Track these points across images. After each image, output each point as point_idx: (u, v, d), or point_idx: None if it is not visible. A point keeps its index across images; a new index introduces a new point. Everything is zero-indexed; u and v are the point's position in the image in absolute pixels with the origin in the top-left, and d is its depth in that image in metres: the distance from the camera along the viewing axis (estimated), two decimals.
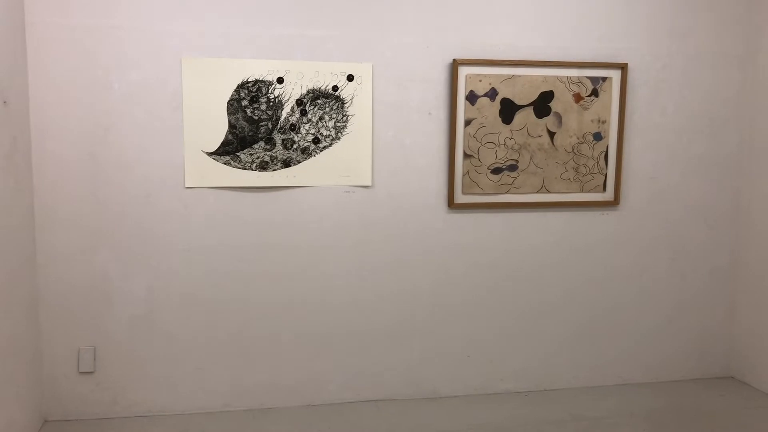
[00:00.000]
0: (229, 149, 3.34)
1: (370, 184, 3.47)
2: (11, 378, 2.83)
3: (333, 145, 3.43)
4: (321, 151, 3.42)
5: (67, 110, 3.15)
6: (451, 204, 3.54)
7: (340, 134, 3.43)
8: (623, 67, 3.60)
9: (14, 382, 2.87)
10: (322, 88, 3.38)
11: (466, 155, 3.53)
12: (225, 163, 3.34)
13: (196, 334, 3.38)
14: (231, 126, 3.33)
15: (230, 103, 3.31)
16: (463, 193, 3.55)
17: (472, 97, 3.49)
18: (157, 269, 3.31)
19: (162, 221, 3.28)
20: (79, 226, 3.22)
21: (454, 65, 3.45)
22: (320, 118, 3.40)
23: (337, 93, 3.40)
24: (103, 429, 3.23)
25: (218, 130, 3.32)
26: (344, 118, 3.42)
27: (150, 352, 3.36)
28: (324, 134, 3.41)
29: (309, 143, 3.40)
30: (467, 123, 3.51)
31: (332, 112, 3.41)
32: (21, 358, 2.97)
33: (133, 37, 3.17)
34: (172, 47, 3.21)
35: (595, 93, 3.60)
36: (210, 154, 3.32)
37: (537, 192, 3.62)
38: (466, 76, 3.47)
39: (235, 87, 3.31)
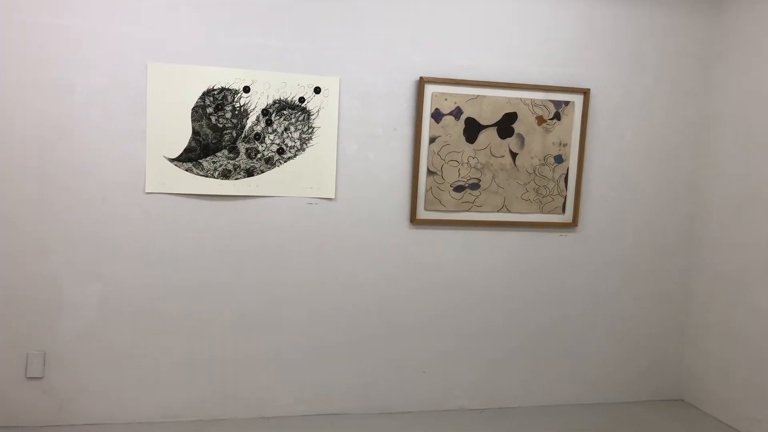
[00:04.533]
0: (192, 156, 3.31)
1: (333, 197, 3.48)
2: None
3: (297, 156, 3.42)
4: (285, 161, 3.42)
5: (26, 112, 3.09)
6: (414, 219, 3.56)
7: (305, 146, 3.43)
8: (586, 92, 3.69)
9: None
10: (289, 99, 3.39)
11: (429, 172, 3.56)
12: (187, 170, 3.31)
13: (148, 343, 3.33)
14: (195, 133, 3.30)
15: (195, 110, 3.29)
16: (426, 209, 3.58)
17: (437, 115, 3.53)
18: (111, 276, 3.26)
19: (119, 227, 3.24)
20: (29, 230, 3.15)
21: (421, 83, 3.48)
22: (285, 129, 3.40)
23: (303, 105, 3.41)
24: None
25: (182, 136, 3.29)
26: (310, 130, 3.43)
27: (100, 359, 3.29)
28: (289, 145, 3.41)
29: (273, 153, 3.40)
30: (432, 140, 3.55)
31: (298, 123, 3.41)
32: None
33: (95, 39, 3.13)
34: (136, 51, 3.18)
35: (557, 116, 3.68)
36: (172, 160, 3.29)
37: (498, 211, 3.67)
38: (432, 94, 3.51)
39: (200, 94, 3.29)
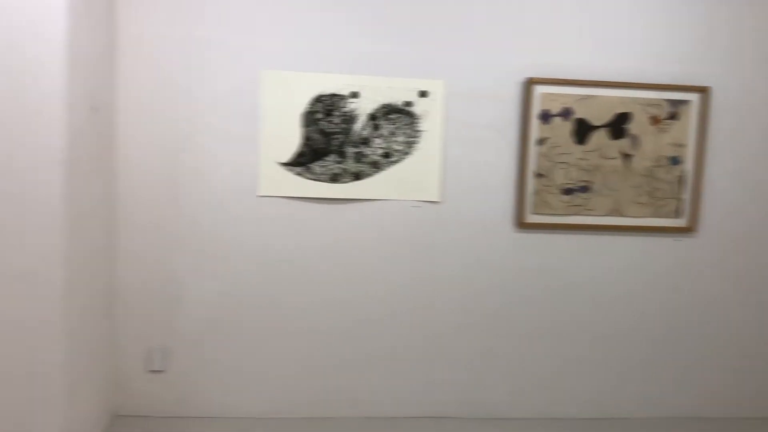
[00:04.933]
0: (302, 161, 3.41)
1: (438, 200, 3.48)
2: (87, 372, 2.95)
3: (403, 160, 3.45)
4: (391, 165, 3.45)
5: (151, 118, 3.29)
6: (521, 223, 3.50)
7: (410, 149, 3.45)
8: (705, 91, 3.50)
9: (89, 377, 2.99)
10: (395, 103, 3.42)
11: (537, 174, 3.49)
12: (297, 174, 3.41)
13: (262, 341, 3.45)
14: (305, 138, 3.40)
15: (305, 116, 3.39)
16: (533, 212, 3.51)
17: (545, 116, 3.46)
18: (228, 274, 3.40)
19: (235, 227, 3.38)
20: (157, 230, 3.35)
21: (528, 84, 3.43)
22: (391, 133, 3.44)
23: (409, 109, 3.43)
24: (169, 427, 3.33)
25: (292, 141, 3.39)
26: (415, 134, 3.45)
27: (218, 354, 3.45)
28: (395, 149, 3.44)
29: (379, 157, 3.44)
30: (539, 142, 3.48)
31: (404, 127, 3.44)
32: (96, 354, 3.10)
33: (219, 49, 3.29)
34: (251, 60, 3.31)
35: (673, 116, 3.51)
36: (284, 164, 3.40)
37: (609, 215, 3.55)
38: (540, 95, 3.45)
39: (310, 100, 3.38)
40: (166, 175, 3.33)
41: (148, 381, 3.42)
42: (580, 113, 3.47)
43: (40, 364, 2.59)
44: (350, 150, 3.43)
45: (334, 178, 3.43)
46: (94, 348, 3.07)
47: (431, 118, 3.45)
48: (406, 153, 3.45)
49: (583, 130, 3.49)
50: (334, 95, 3.39)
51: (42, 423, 2.61)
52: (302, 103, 3.38)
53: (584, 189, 3.53)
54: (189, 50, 3.28)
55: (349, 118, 3.42)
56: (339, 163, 3.43)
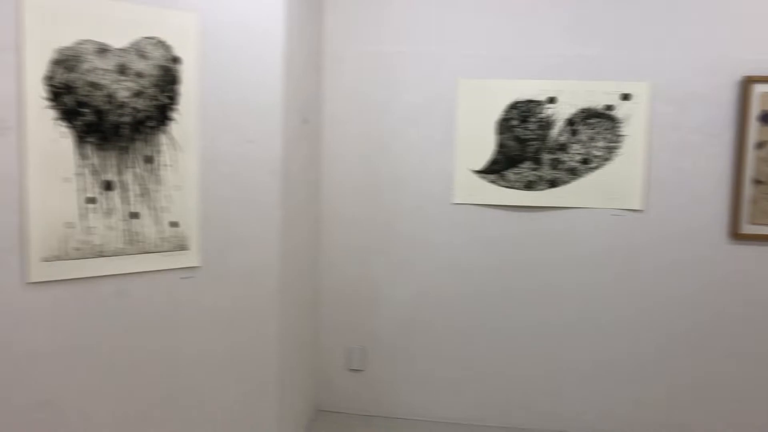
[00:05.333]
0: (496, 168, 3.40)
1: (641, 209, 3.31)
2: (293, 368, 3.16)
3: (603, 167, 3.32)
4: (589, 172, 3.33)
5: (351, 129, 3.45)
6: (735, 234, 3.23)
7: (611, 155, 3.31)
8: None
9: (295, 372, 3.20)
10: (595, 107, 3.30)
11: (755, 181, 3.20)
12: (491, 182, 3.40)
13: (456, 345, 3.49)
14: (499, 145, 3.38)
15: (500, 123, 3.37)
16: (750, 222, 3.22)
17: (765, 118, 3.16)
18: (422, 279, 3.48)
19: (429, 234, 3.45)
20: (356, 235, 3.50)
21: (746, 82, 3.15)
22: (590, 138, 3.32)
23: (610, 112, 3.29)
24: (367, 424, 3.47)
25: (486, 149, 3.39)
26: (616, 139, 3.30)
27: (411, 357, 3.54)
28: (594, 155, 3.32)
29: (577, 164, 3.34)
30: (759, 146, 3.18)
31: (604, 132, 3.31)
32: (302, 352, 3.31)
33: (414, 61, 3.38)
34: (447, 70, 3.36)
35: None
36: (478, 172, 3.41)
37: None
38: (760, 95, 3.15)
39: (505, 107, 3.36)
40: (364, 183, 3.47)
41: (348, 379, 3.59)
42: None
43: (257, 357, 2.81)
44: (546, 156, 3.36)
45: (529, 186, 3.38)
46: (301, 345, 3.28)
47: (634, 122, 3.28)
48: (606, 159, 3.32)
49: None
50: (530, 101, 3.34)
51: (258, 414, 2.84)
52: (497, 110, 3.37)
53: None
54: (387, 64, 3.40)
55: (546, 124, 3.35)
56: (534, 170, 3.37)
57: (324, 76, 3.44)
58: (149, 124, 2.41)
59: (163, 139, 2.45)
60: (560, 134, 3.34)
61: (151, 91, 2.40)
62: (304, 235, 3.25)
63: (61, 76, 2.21)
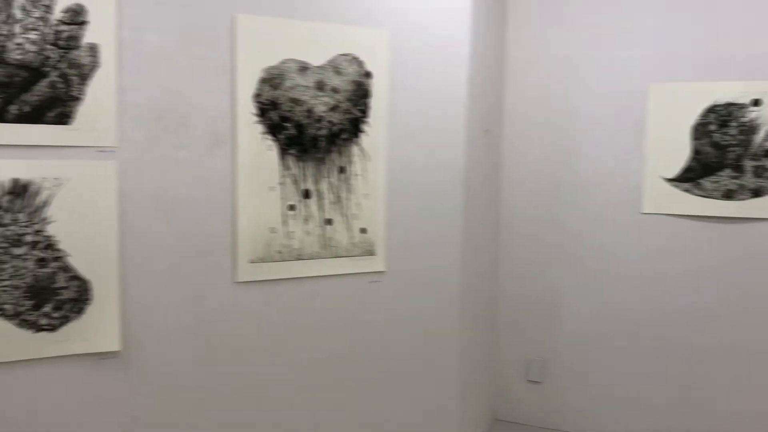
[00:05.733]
0: (691, 176, 3.19)
1: None
2: (470, 376, 3.17)
3: None
4: None
5: (535, 136, 3.41)
6: None
7: None
8: None
9: (472, 380, 3.21)
10: None
11: None
12: (685, 190, 3.20)
13: (641, 361, 3.32)
14: (695, 152, 3.17)
15: (695, 128, 3.16)
16: None
17: None
18: (608, 291, 3.35)
19: (615, 244, 3.31)
20: (537, 244, 3.45)
21: None
22: None
23: None
24: None
25: (680, 156, 3.20)
26: None
27: (592, 371, 3.42)
28: None
29: None
30: None
31: None
32: (479, 360, 3.32)
33: (601, 66, 3.27)
34: (638, 74, 3.21)
35: None
36: (669, 180, 3.22)
37: None
38: None
39: (702, 111, 3.14)
40: (546, 192, 3.42)
41: (527, 390, 3.55)
42: None
43: (438, 362, 2.86)
44: (749, 164, 3.10)
45: (728, 195, 3.13)
46: (481, 352, 3.29)
47: None
48: None
49: None
50: (730, 104, 3.10)
51: (438, 419, 2.89)
52: (693, 115, 3.16)
53: None
54: (572, 70, 3.32)
55: (749, 129, 3.08)
56: (735, 178, 3.12)
57: (506, 83, 3.44)
58: (343, 136, 2.56)
59: (354, 150, 2.59)
60: (766, 140, 3.06)
61: (345, 105, 2.55)
62: (484, 244, 3.26)
63: (268, 94, 2.41)
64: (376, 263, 2.69)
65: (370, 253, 2.67)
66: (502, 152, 3.48)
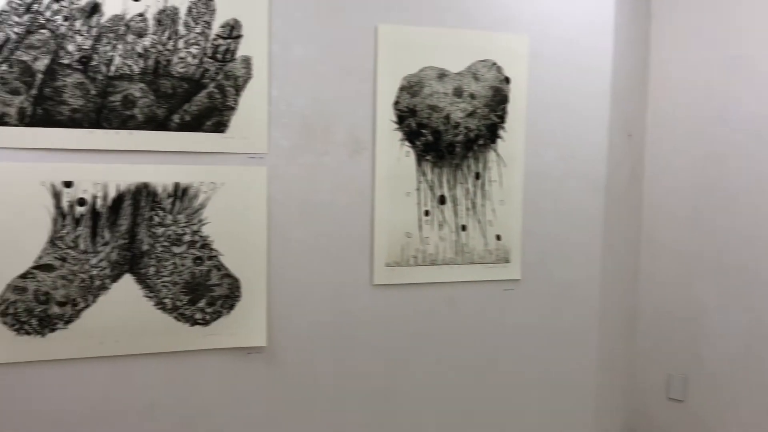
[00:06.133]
0: None
1: None
2: (605, 389, 3.06)
3: None
4: None
5: (680, 142, 3.22)
6: None
7: None
8: None
9: (609, 395, 3.09)
10: None
11: None
12: None
13: None
14: None
15: None
16: None
17: None
18: (759, 306, 3.10)
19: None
20: (680, 254, 3.26)
21: None
22: None
23: None
24: None
25: None
26: None
27: (743, 392, 3.18)
28: None
29: None
30: None
31: None
32: (615, 373, 3.18)
33: (754, 66, 3.03)
34: None
35: None
36: None
37: None
38: None
39: None
40: (692, 200, 3.22)
41: (666, 408, 3.36)
42: None
43: (574, 375, 2.79)
44: None
45: None
46: (618, 368, 3.17)
47: None
48: None
49: None
50: None
51: None
52: None
53: None
54: (721, 71, 3.10)
55: None
56: None
57: (648, 86, 3.28)
58: (480, 142, 2.56)
59: (491, 156, 2.58)
60: None
61: (482, 111, 2.55)
62: (625, 253, 3.13)
63: (406, 101, 2.46)
64: (511, 271, 2.66)
65: (505, 260, 2.65)
66: (645, 159, 3.32)
